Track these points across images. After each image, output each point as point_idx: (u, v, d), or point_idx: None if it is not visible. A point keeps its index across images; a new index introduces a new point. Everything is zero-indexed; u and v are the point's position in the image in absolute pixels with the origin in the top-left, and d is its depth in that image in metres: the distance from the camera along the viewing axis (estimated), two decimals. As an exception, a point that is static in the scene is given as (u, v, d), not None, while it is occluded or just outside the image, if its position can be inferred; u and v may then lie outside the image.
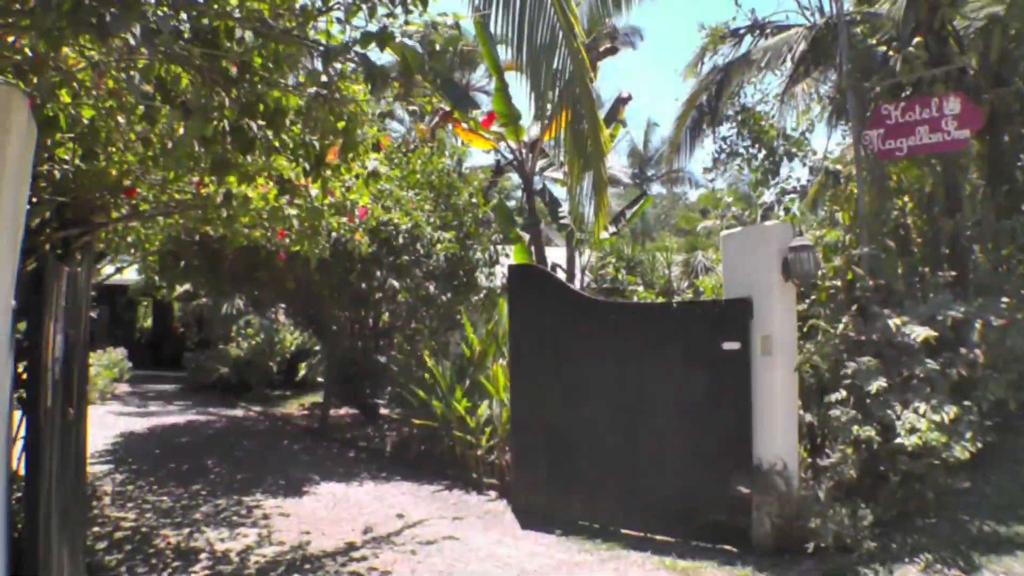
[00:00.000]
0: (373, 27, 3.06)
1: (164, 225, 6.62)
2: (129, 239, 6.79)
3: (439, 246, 9.96)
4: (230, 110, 3.37)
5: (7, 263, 2.86)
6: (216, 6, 2.90)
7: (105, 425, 12.75)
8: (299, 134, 3.92)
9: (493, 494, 8.04)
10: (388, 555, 6.14)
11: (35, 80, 3.36)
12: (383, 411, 11.80)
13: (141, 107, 3.30)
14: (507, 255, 12.09)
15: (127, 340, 21.56)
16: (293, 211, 5.39)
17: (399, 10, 3.15)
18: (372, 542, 6.50)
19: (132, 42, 2.26)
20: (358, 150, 4.15)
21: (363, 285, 10.23)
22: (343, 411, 13.84)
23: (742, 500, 5.55)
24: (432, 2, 3.22)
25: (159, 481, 8.71)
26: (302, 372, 15.99)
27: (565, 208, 11.83)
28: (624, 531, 6.37)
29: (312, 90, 3.36)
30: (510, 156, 12.26)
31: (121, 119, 4.14)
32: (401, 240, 9.99)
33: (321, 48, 2.88)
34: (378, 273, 10.08)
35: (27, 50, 3.23)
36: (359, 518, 7.23)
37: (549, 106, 7.45)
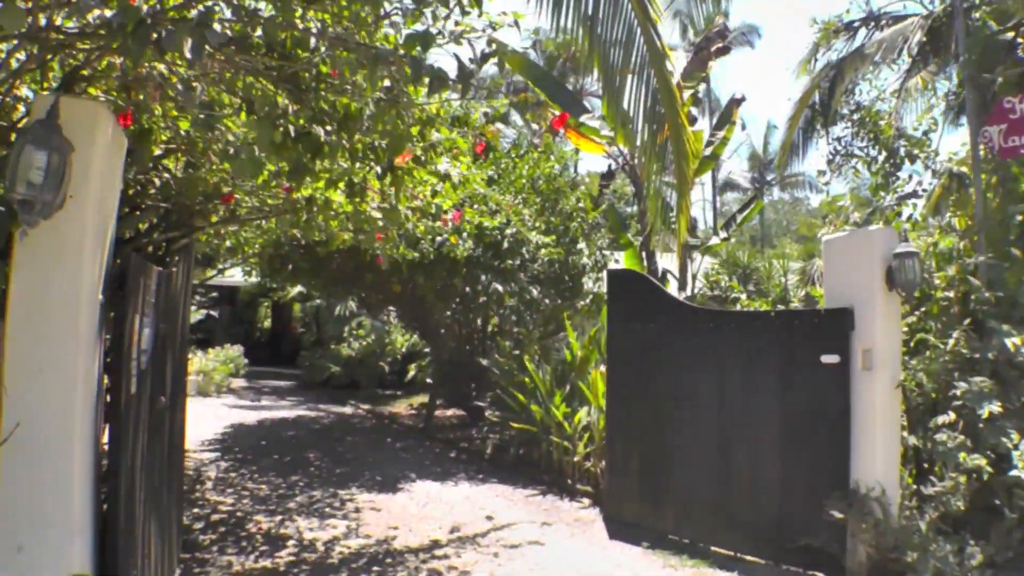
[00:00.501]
0: (435, 29, 3.11)
1: (264, 229, 6.95)
2: (228, 243, 7.16)
3: (543, 251, 9.97)
4: (296, 116, 3.50)
5: (95, 262, 3.09)
6: (281, 19, 3.01)
7: (218, 416, 13.52)
8: (368, 139, 4.01)
9: (586, 501, 7.93)
10: (471, 555, 6.17)
11: (133, 96, 3.62)
12: (487, 414, 11.95)
13: (201, 115, 3.45)
14: (617, 260, 11.97)
15: (247, 338, 22.84)
16: (378, 214, 5.53)
17: (455, 11, 3.18)
18: (457, 541, 6.55)
19: (189, 56, 2.39)
20: (432, 153, 4.21)
21: (467, 289, 10.38)
22: (449, 412, 14.08)
23: (837, 525, 5.20)
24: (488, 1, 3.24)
25: (260, 471, 9.14)
26: (412, 373, 16.41)
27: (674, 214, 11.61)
28: (714, 548, 6.07)
29: (376, 95, 3.43)
30: (622, 160, 12.12)
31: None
32: (506, 244, 10.08)
33: (373, 51, 2.94)
34: (483, 277, 10.20)
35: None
36: (448, 517, 7.31)
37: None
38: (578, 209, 10.62)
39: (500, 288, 9.71)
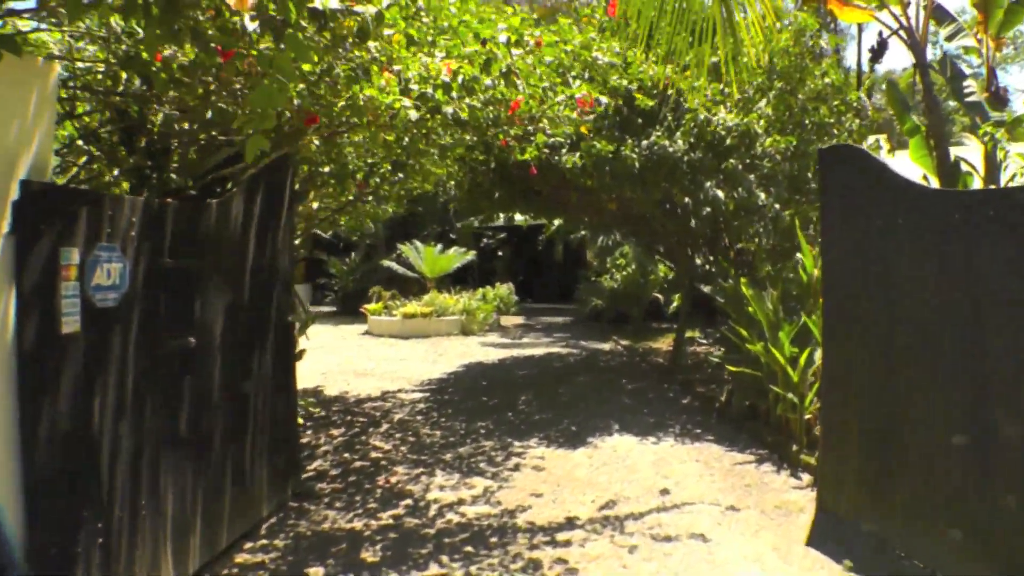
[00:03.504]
0: None
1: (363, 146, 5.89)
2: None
3: (768, 140, 7.57)
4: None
5: None
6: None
7: (463, 355, 13.20)
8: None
9: (806, 478, 5.73)
10: (600, 546, 4.58)
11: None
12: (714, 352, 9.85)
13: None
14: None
15: (528, 275, 22.70)
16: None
17: None
18: (599, 522, 4.98)
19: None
20: None
21: (686, 200, 8.36)
22: (704, 348, 12.17)
23: None
24: None
25: (453, 414, 8.33)
26: (675, 303, 14.59)
27: (970, 83, 8.16)
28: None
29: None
30: (894, 26, 8.87)
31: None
32: (729, 141, 7.87)
33: None
34: (708, 184, 8.09)
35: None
36: (612, 487, 5.73)
37: None
38: (827, 89, 7.88)
39: (720, 195, 7.55)
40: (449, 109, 3.97)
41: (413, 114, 3.71)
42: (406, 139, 4.76)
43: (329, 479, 6.08)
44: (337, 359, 12.91)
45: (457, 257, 19.74)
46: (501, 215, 10.89)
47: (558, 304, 21.14)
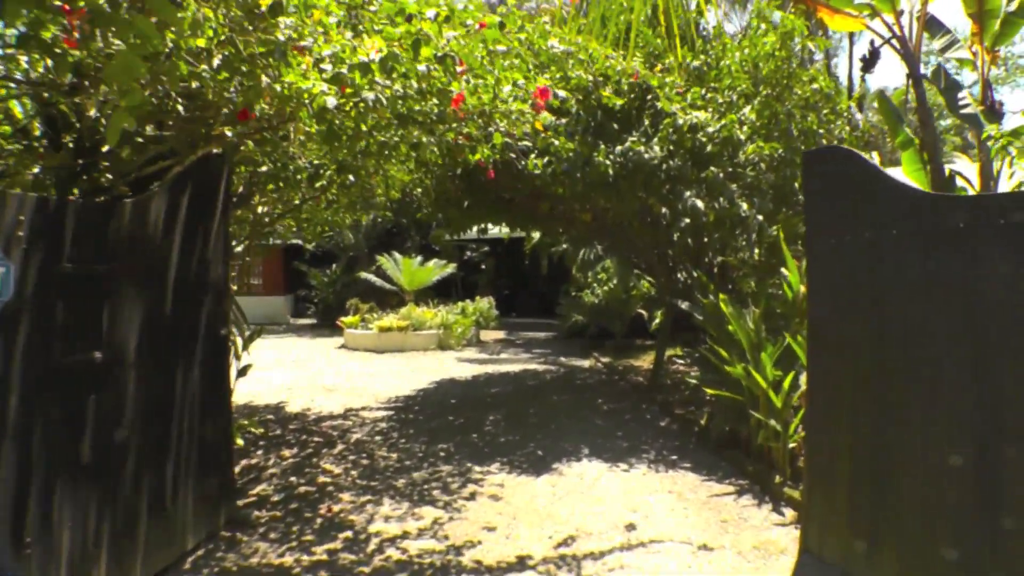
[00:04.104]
0: None
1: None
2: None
3: (750, 147, 7.10)
4: None
5: None
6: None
7: (435, 370, 12.71)
8: None
9: (790, 514, 5.22)
10: (551, 595, 4.07)
11: None
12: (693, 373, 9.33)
13: None
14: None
15: (510, 288, 22.18)
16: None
17: None
18: (554, 562, 4.44)
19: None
20: None
21: (664, 210, 7.88)
22: (686, 366, 11.67)
23: None
24: None
25: (414, 435, 7.79)
26: (658, 319, 14.10)
27: (965, 95, 7.71)
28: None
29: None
30: (887, 35, 8.47)
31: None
32: (709, 148, 7.40)
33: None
34: (686, 193, 7.61)
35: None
36: (574, 520, 5.20)
37: None
38: (817, 97, 7.44)
39: (700, 205, 7.07)
40: (370, 95, 3.47)
41: (331, 100, 3.21)
42: (344, 136, 4.25)
43: (269, 505, 5.54)
44: (307, 373, 12.38)
45: (436, 270, 19.23)
46: (473, 227, 10.34)
47: (541, 319, 20.62)
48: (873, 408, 3.81)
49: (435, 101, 4.14)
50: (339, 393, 10.44)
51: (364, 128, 4.27)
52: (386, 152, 4.83)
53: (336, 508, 5.45)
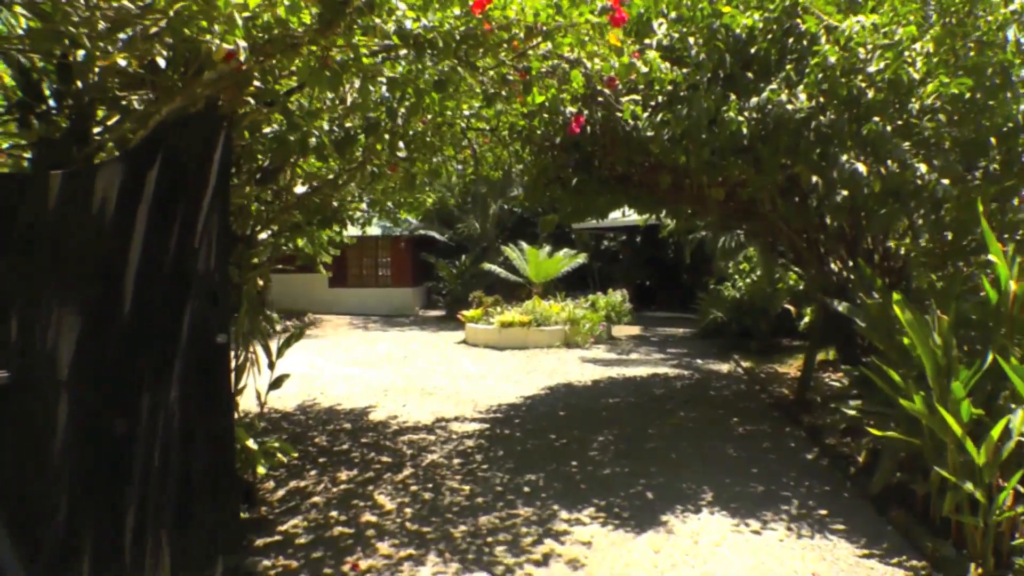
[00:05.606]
0: None
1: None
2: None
3: (929, 87, 5.17)
4: None
5: None
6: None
7: (553, 372, 11.47)
8: None
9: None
10: None
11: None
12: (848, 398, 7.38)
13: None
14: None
15: (650, 281, 20.47)
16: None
17: None
18: None
19: None
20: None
21: (814, 180, 6.06)
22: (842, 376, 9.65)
23: None
24: None
25: (501, 459, 6.55)
26: (807, 317, 12.04)
27: None
28: None
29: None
30: None
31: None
32: (871, 93, 5.54)
33: None
34: (843, 158, 5.76)
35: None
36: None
37: None
38: (1010, 16, 5.33)
39: (863, 169, 5.25)
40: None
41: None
42: (326, 72, 3.00)
43: (290, 551, 4.50)
44: (411, 372, 11.49)
45: (565, 260, 17.91)
46: (587, 212, 8.87)
47: (681, 313, 18.77)
48: None
49: (452, 17, 2.81)
50: (436, 398, 9.38)
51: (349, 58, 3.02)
52: (399, 95, 3.53)
53: (364, 566, 4.27)
